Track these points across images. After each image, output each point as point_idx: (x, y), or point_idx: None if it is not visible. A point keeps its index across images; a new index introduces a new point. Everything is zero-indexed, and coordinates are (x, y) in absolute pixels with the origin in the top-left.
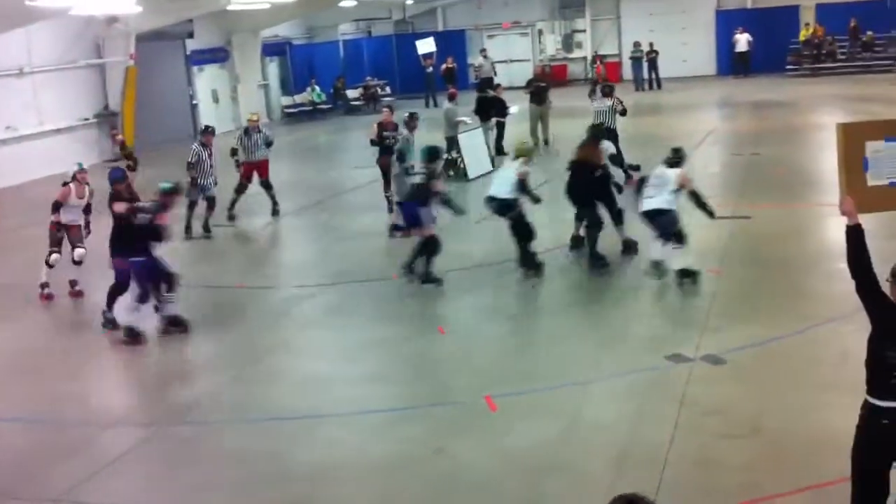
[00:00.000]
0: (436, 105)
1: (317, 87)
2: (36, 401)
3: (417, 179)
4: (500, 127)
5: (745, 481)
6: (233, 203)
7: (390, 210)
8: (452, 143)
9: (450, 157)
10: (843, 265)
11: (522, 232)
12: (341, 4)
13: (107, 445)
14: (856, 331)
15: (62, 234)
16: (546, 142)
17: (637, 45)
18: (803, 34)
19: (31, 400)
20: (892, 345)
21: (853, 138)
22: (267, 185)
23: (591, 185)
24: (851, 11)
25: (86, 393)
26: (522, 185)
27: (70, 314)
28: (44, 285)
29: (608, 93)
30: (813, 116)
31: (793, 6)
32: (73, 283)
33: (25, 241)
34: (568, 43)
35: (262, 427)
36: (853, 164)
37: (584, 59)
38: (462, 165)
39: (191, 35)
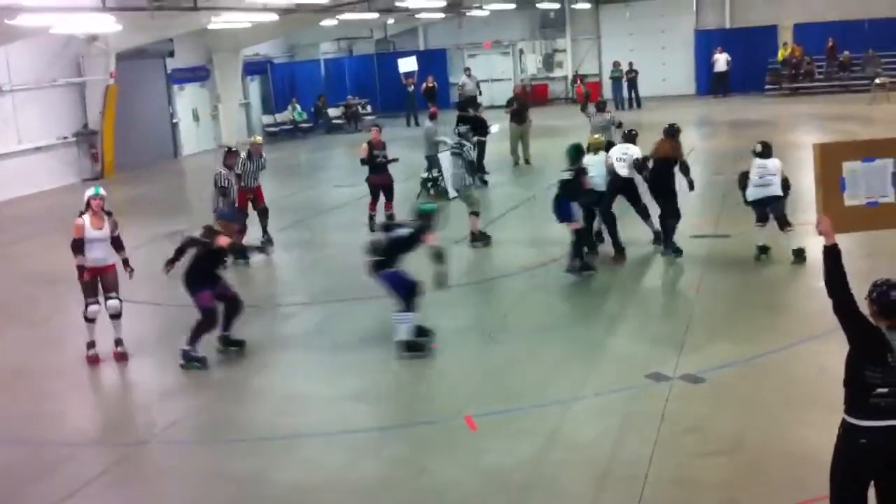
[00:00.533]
0: (417, 124)
1: (298, 106)
2: (13, 420)
3: (566, 176)
4: (481, 146)
5: (724, 499)
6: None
7: (372, 229)
8: (432, 162)
9: (429, 177)
10: (821, 283)
11: (611, 220)
12: (322, 23)
13: (84, 465)
14: (833, 349)
15: (94, 280)
16: (527, 160)
17: (617, 64)
18: (781, 54)
19: (8, 419)
20: (871, 364)
21: (830, 158)
22: (264, 212)
23: (672, 178)
24: (829, 31)
25: (64, 412)
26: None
27: (46, 332)
28: (90, 345)
29: (602, 108)
30: (791, 135)
31: (771, 26)
32: (117, 343)
33: (3, 258)
34: (549, 62)
35: (243, 447)
36: (830, 183)
37: (565, 78)
38: (442, 185)
39: (171, 54)
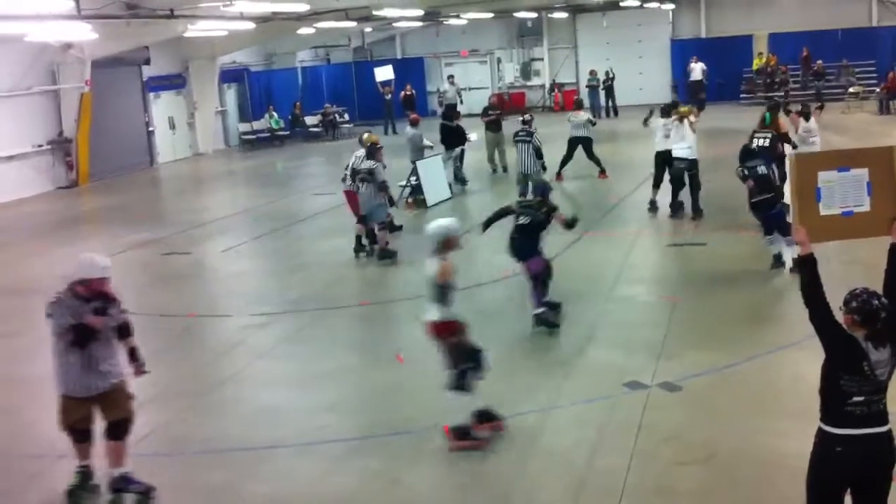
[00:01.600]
0: (395, 132)
1: (275, 114)
2: None
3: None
4: (460, 154)
5: None
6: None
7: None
8: (414, 168)
9: (408, 183)
10: (797, 292)
11: (696, 183)
12: (300, 31)
13: (56, 480)
14: (809, 357)
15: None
16: (504, 168)
17: (593, 73)
18: (756, 63)
19: None
20: (847, 373)
21: (806, 169)
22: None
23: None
24: (803, 41)
25: (34, 425)
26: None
27: (17, 345)
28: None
29: (580, 106)
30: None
31: (746, 36)
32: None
33: None
34: (526, 71)
35: (214, 459)
36: (806, 194)
37: (542, 86)
38: (421, 193)
39: (147, 61)
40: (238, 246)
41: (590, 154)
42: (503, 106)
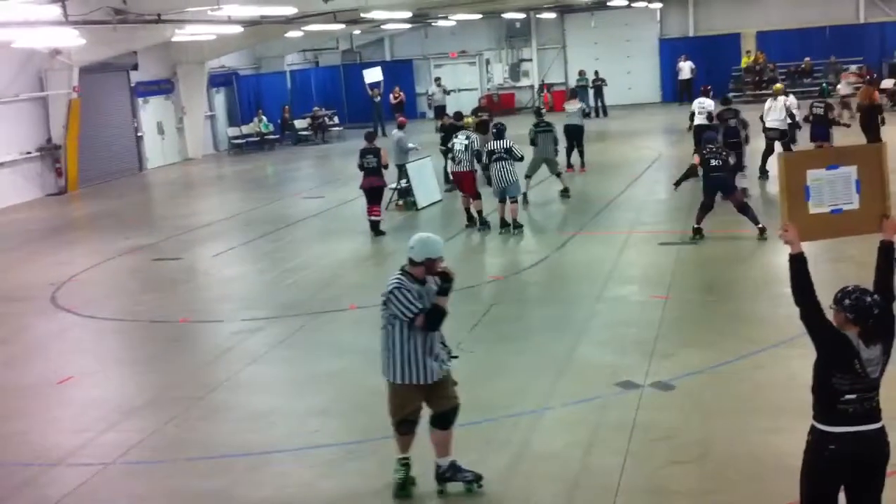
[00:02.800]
0: (384, 134)
1: (264, 118)
2: None
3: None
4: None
5: None
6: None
7: (374, 230)
8: (402, 171)
9: (398, 186)
10: (788, 290)
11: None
12: (288, 35)
13: (49, 486)
14: (802, 355)
15: None
16: None
17: (582, 73)
18: (745, 61)
19: None
20: (838, 371)
21: (795, 168)
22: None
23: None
24: (791, 39)
25: (26, 433)
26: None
27: (6, 352)
28: None
29: (574, 96)
30: (756, 143)
31: (734, 34)
32: None
33: None
34: (515, 72)
35: (209, 465)
36: (795, 192)
37: (532, 87)
38: (411, 196)
39: (135, 67)
40: (229, 250)
41: (579, 143)
42: (492, 107)
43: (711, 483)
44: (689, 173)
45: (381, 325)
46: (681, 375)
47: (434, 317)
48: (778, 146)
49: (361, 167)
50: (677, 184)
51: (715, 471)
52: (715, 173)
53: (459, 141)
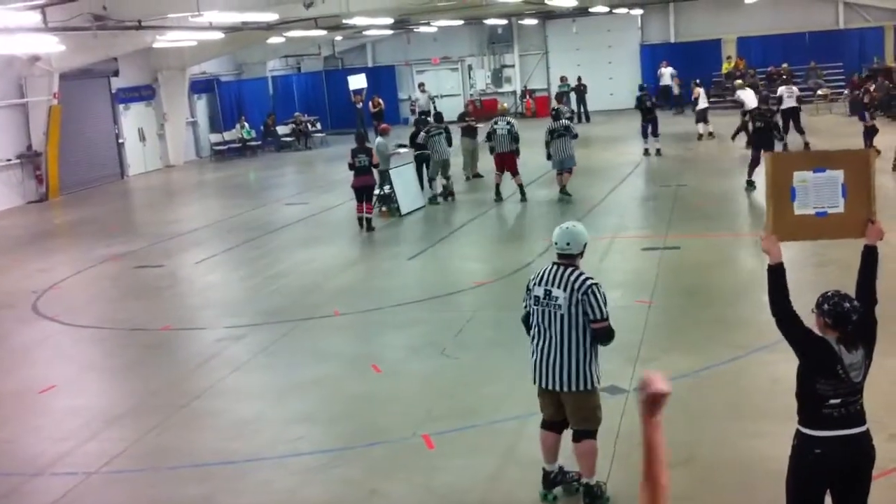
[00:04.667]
0: (367, 140)
1: (246, 124)
2: None
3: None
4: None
5: None
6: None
7: (365, 227)
8: (385, 177)
9: (382, 193)
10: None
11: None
12: (269, 41)
13: (31, 496)
14: (785, 359)
15: None
16: (477, 175)
17: (564, 79)
18: (726, 67)
19: None
20: (822, 377)
21: (782, 168)
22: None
23: None
24: (771, 44)
25: (8, 440)
26: None
27: None
28: None
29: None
30: (736, 148)
31: (715, 40)
32: None
33: None
34: (497, 77)
35: (192, 473)
36: (781, 193)
37: (514, 93)
38: (394, 202)
39: (116, 73)
40: (211, 257)
41: None
42: (476, 113)
43: (697, 488)
44: (740, 128)
45: (545, 325)
46: (666, 380)
47: (612, 330)
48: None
49: (352, 166)
50: (733, 137)
51: (700, 475)
52: (761, 132)
53: (501, 126)
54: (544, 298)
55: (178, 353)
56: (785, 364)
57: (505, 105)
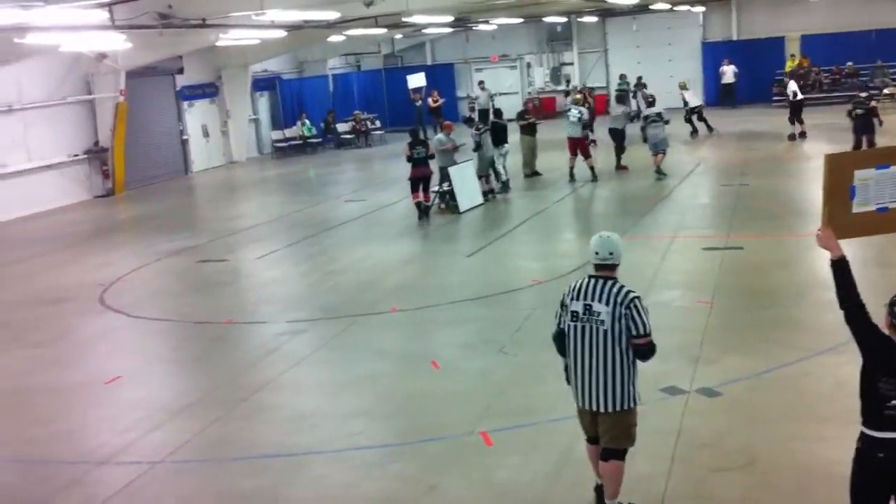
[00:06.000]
0: (426, 137)
1: (307, 121)
2: (22, 441)
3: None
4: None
5: None
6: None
7: (421, 217)
8: (444, 174)
9: (440, 190)
10: (833, 296)
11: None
12: (330, 39)
13: (96, 485)
14: (849, 362)
15: None
16: (536, 172)
17: (623, 77)
18: (789, 65)
19: (17, 440)
20: (885, 376)
21: (840, 168)
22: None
23: None
24: (836, 42)
25: (75, 430)
26: None
27: (55, 352)
28: None
29: (620, 100)
30: (799, 147)
31: (778, 38)
32: None
33: (10, 278)
34: (556, 75)
35: (252, 465)
36: (838, 193)
37: (570, 90)
38: (453, 199)
39: (181, 71)
40: (272, 253)
41: (620, 145)
42: (534, 111)
43: (757, 492)
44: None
45: (585, 342)
46: (726, 382)
47: (654, 345)
48: None
49: (410, 158)
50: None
51: (761, 479)
52: (862, 118)
53: (573, 114)
54: (584, 314)
55: (240, 347)
56: (849, 367)
57: (578, 95)
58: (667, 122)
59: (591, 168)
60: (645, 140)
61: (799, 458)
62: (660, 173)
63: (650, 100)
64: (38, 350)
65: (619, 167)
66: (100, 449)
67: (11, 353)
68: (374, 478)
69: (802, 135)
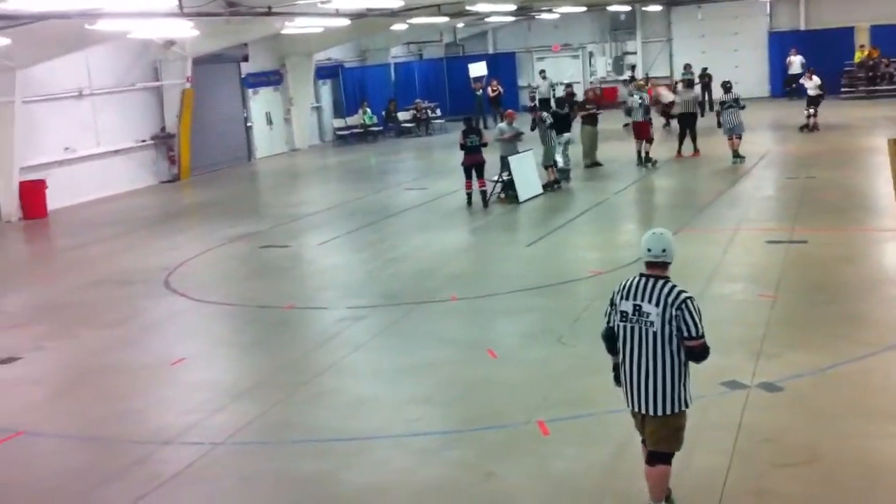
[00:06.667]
0: (486, 126)
1: (368, 110)
2: (91, 419)
3: None
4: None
5: None
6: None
7: (483, 202)
8: (504, 163)
9: (501, 180)
10: None
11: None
12: (393, 28)
13: (159, 465)
14: None
15: None
16: (597, 163)
17: (688, 67)
18: (858, 56)
19: (86, 419)
20: None
21: None
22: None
23: None
24: None
25: (141, 410)
26: None
27: (122, 333)
28: None
29: (690, 85)
30: (868, 139)
31: (847, 28)
32: None
33: (79, 261)
34: (618, 65)
35: (312, 448)
36: None
37: (634, 78)
38: (513, 189)
39: (246, 58)
40: (333, 239)
41: (692, 128)
42: (596, 100)
43: (819, 488)
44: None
45: (635, 343)
46: (788, 377)
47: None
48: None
49: (463, 146)
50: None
51: (823, 476)
52: None
53: (634, 100)
54: (633, 314)
55: (301, 332)
56: None
57: (641, 81)
58: (742, 108)
59: (647, 154)
60: (719, 125)
61: (864, 455)
62: (737, 156)
63: (728, 85)
64: (108, 331)
65: (695, 152)
66: (164, 429)
67: (82, 333)
68: (433, 464)
69: (815, 126)
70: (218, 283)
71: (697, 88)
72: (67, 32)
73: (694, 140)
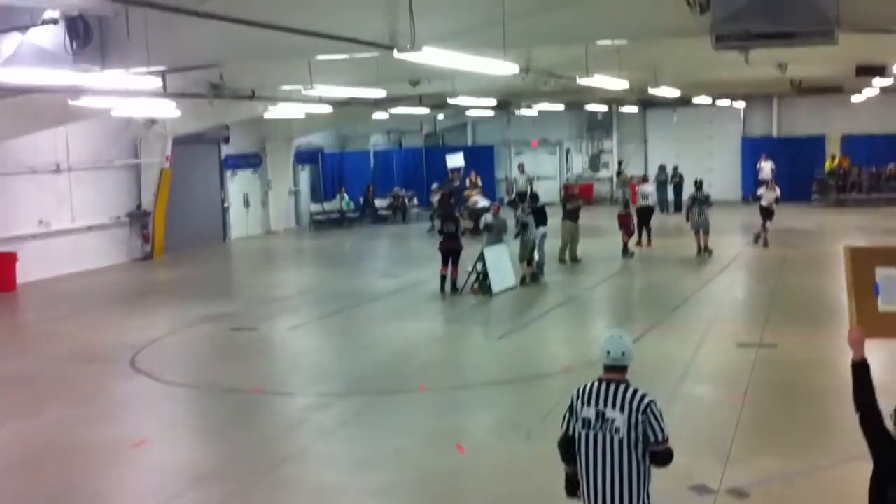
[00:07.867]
0: (460, 216)
1: (346, 195)
2: (48, 497)
3: None
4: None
5: None
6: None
7: (449, 288)
8: (480, 255)
9: (476, 271)
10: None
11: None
12: (374, 116)
13: None
14: None
15: None
16: (575, 259)
17: (662, 168)
18: (829, 165)
19: (44, 496)
20: (893, 482)
21: (862, 263)
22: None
23: None
24: (878, 143)
25: (98, 491)
26: None
27: (85, 412)
28: None
29: (646, 179)
30: (837, 245)
31: (818, 136)
32: None
33: (45, 336)
34: (595, 163)
35: None
36: (863, 288)
37: (611, 179)
38: (487, 280)
39: (227, 139)
40: (305, 324)
41: (647, 221)
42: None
43: None
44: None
45: (598, 451)
46: (757, 482)
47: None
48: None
49: (441, 231)
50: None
51: None
52: None
53: (626, 191)
54: (597, 421)
55: (266, 417)
56: None
57: (626, 175)
58: (710, 206)
59: (625, 244)
60: (687, 219)
61: None
62: (705, 250)
63: (699, 182)
64: (71, 409)
65: (649, 243)
66: None
67: (44, 409)
68: None
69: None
70: (185, 363)
71: (652, 186)
72: (50, 108)
73: (649, 233)
